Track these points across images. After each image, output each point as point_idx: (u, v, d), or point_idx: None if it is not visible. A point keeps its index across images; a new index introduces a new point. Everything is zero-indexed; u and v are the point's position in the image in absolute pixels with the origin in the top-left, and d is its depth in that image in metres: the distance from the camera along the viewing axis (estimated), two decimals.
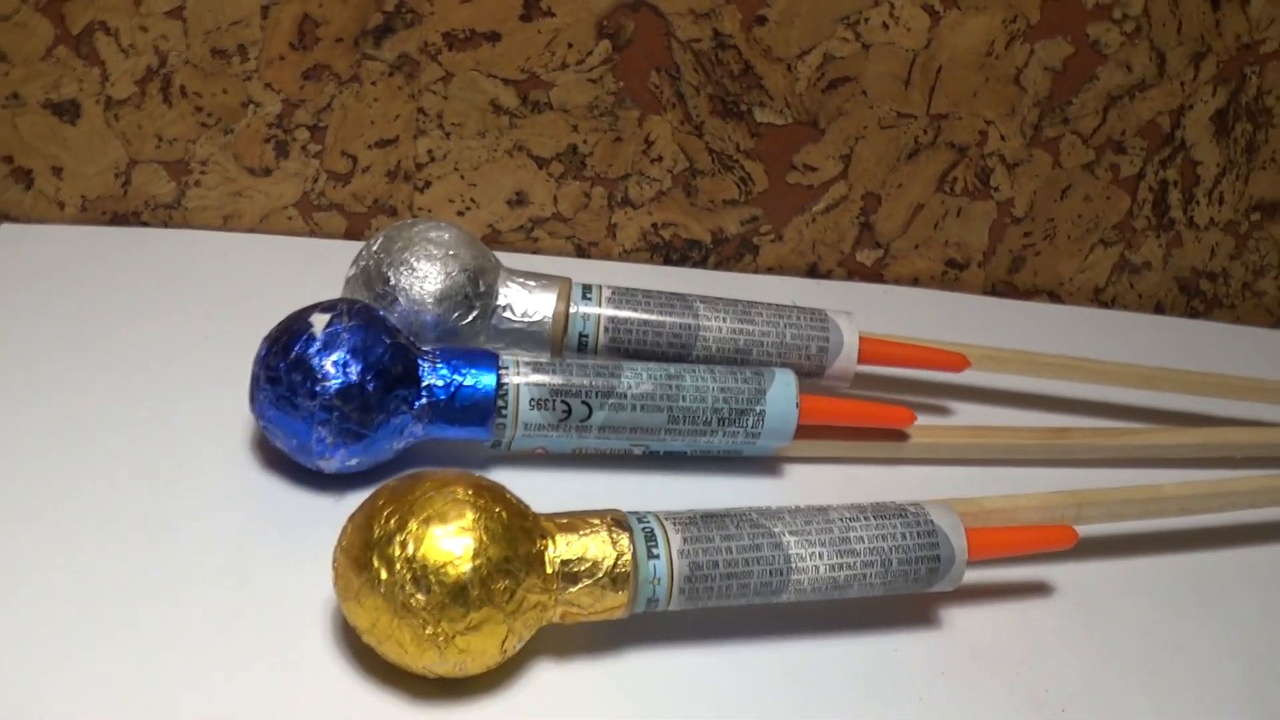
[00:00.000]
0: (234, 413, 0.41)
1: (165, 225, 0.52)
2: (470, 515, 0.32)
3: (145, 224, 0.52)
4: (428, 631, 0.32)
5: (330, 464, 0.39)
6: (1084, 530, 0.41)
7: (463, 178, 0.53)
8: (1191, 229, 0.57)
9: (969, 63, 0.51)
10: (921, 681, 0.37)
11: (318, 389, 0.37)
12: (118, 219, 0.52)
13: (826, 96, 0.52)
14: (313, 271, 0.47)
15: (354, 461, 0.39)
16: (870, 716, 0.36)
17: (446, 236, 0.43)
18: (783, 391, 0.42)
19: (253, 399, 0.39)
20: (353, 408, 0.38)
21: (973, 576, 0.40)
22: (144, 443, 0.40)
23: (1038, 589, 0.42)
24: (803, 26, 0.50)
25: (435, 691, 0.34)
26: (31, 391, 0.42)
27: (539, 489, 0.37)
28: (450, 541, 0.32)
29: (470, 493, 0.33)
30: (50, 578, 0.35)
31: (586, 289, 0.44)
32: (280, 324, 0.39)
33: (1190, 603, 0.42)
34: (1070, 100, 0.53)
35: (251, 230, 0.53)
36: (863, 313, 0.49)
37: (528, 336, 0.43)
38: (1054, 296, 0.59)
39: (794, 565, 0.36)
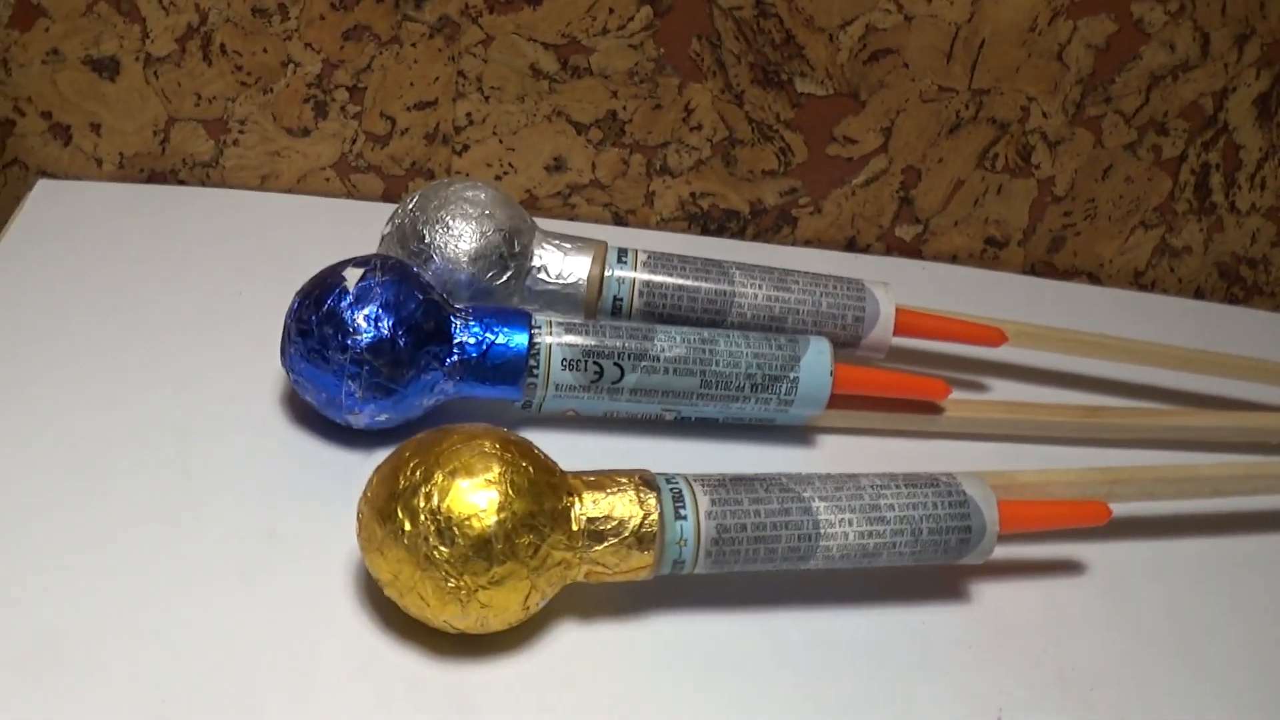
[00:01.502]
0: (266, 369, 0.42)
1: (203, 184, 0.53)
2: (496, 469, 0.32)
3: (183, 182, 0.52)
4: (450, 584, 0.32)
5: (359, 419, 0.39)
6: (1115, 509, 0.40)
7: (501, 142, 0.52)
8: (1233, 214, 0.56)
9: (1012, 38, 0.51)
10: (948, 655, 0.37)
11: (349, 342, 0.37)
12: (155, 177, 0.52)
13: (868, 68, 0.51)
14: (349, 233, 0.47)
15: (383, 417, 0.39)
16: (896, 688, 0.36)
17: (483, 196, 0.43)
18: (817, 359, 0.41)
19: (284, 352, 0.39)
20: (383, 362, 0.38)
21: (1002, 553, 0.40)
22: (176, 397, 0.41)
23: (1068, 567, 0.41)
24: None
25: (456, 648, 0.34)
26: (67, 346, 0.42)
27: (569, 452, 0.37)
28: (475, 494, 0.32)
29: (497, 446, 0.33)
30: (83, 529, 0.36)
31: (622, 253, 0.44)
32: (314, 278, 0.39)
33: (1222, 586, 0.42)
34: (1113, 79, 0.52)
35: (289, 191, 0.53)
36: (900, 289, 0.48)
37: (562, 299, 0.43)
38: (1093, 278, 0.58)
39: (823, 531, 0.35)
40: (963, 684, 0.36)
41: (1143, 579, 0.41)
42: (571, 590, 0.35)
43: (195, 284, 0.46)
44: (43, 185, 0.50)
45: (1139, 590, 0.41)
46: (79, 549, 0.35)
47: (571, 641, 0.35)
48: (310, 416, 0.40)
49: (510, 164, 0.53)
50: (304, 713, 0.32)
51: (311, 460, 0.39)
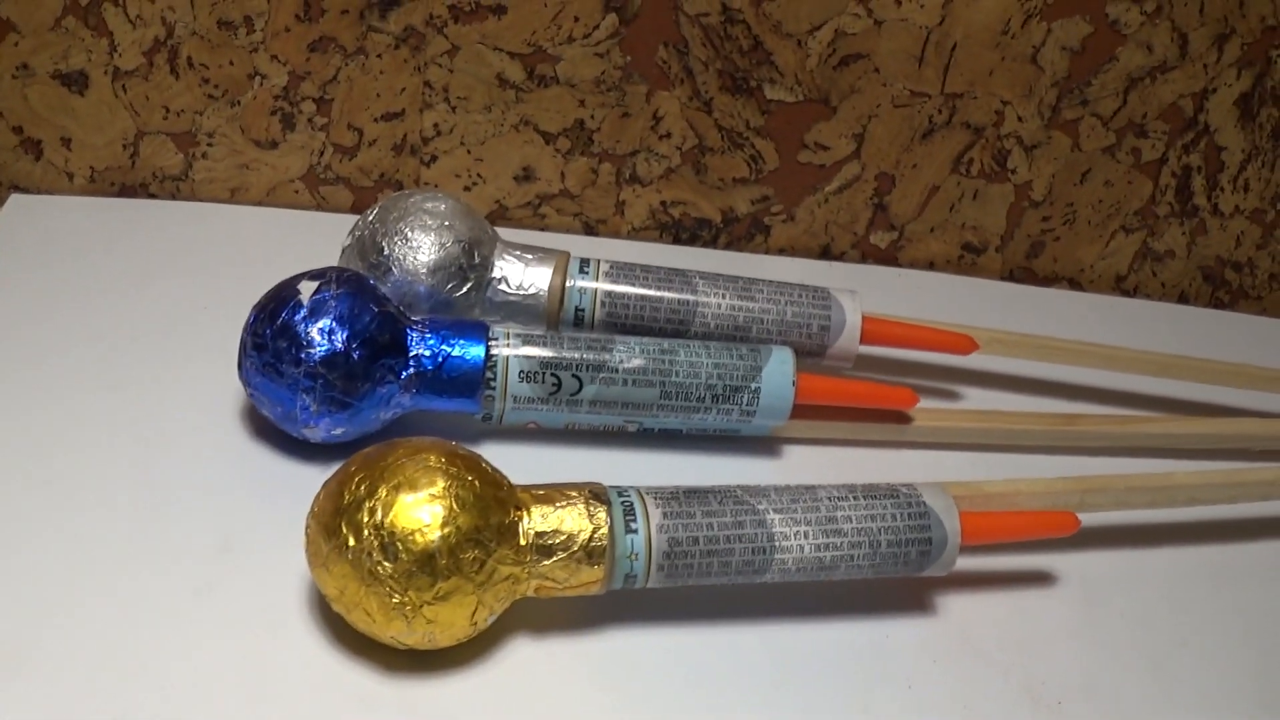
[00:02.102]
0: (227, 382, 0.41)
1: (173, 197, 0.52)
2: (441, 483, 0.32)
3: (153, 196, 0.52)
4: (394, 600, 0.31)
5: (316, 433, 0.38)
6: (1089, 519, 0.40)
7: (469, 152, 0.52)
8: (1216, 216, 0.56)
9: (984, 40, 0.50)
10: (912, 668, 0.36)
11: (302, 356, 0.37)
12: (126, 190, 0.52)
13: (838, 74, 0.51)
14: (318, 245, 0.47)
15: (340, 431, 0.38)
16: (858, 702, 0.35)
17: (443, 207, 0.42)
18: (779, 369, 0.41)
19: (240, 366, 0.39)
20: (338, 375, 0.37)
21: (971, 563, 0.39)
22: (136, 409, 0.40)
23: (1039, 578, 0.40)
24: (813, 1, 0.49)
25: (408, 664, 0.33)
26: (31, 357, 0.42)
27: (530, 465, 0.37)
28: (419, 510, 0.31)
29: (443, 460, 0.32)
30: (33, 539, 0.35)
31: (584, 263, 0.43)
32: (270, 291, 0.39)
33: (1198, 597, 0.41)
34: (1089, 81, 0.52)
35: (259, 203, 0.53)
36: (876, 296, 0.48)
37: (523, 310, 0.43)
38: (1074, 284, 0.57)
39: (778, 544, 0.35)
40: (926, 698, 0.35)
41: (1116, 590, 0.40)
42: (523, 605, 0.35)
43: (163, 297, 0.46)
44: (15, 200, 0.50)
45: (1112, 601, 0.40)
46: (30, 561, 0.35)
47: (524, 657, 0.35)
48: (268, 430, 0.40)
49: (479, 174, 0.53)
50: None
51: (268, 474, 0.39)
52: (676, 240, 0.55)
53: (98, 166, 0.51)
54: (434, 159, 0.52)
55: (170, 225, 0.50)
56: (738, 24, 0.49)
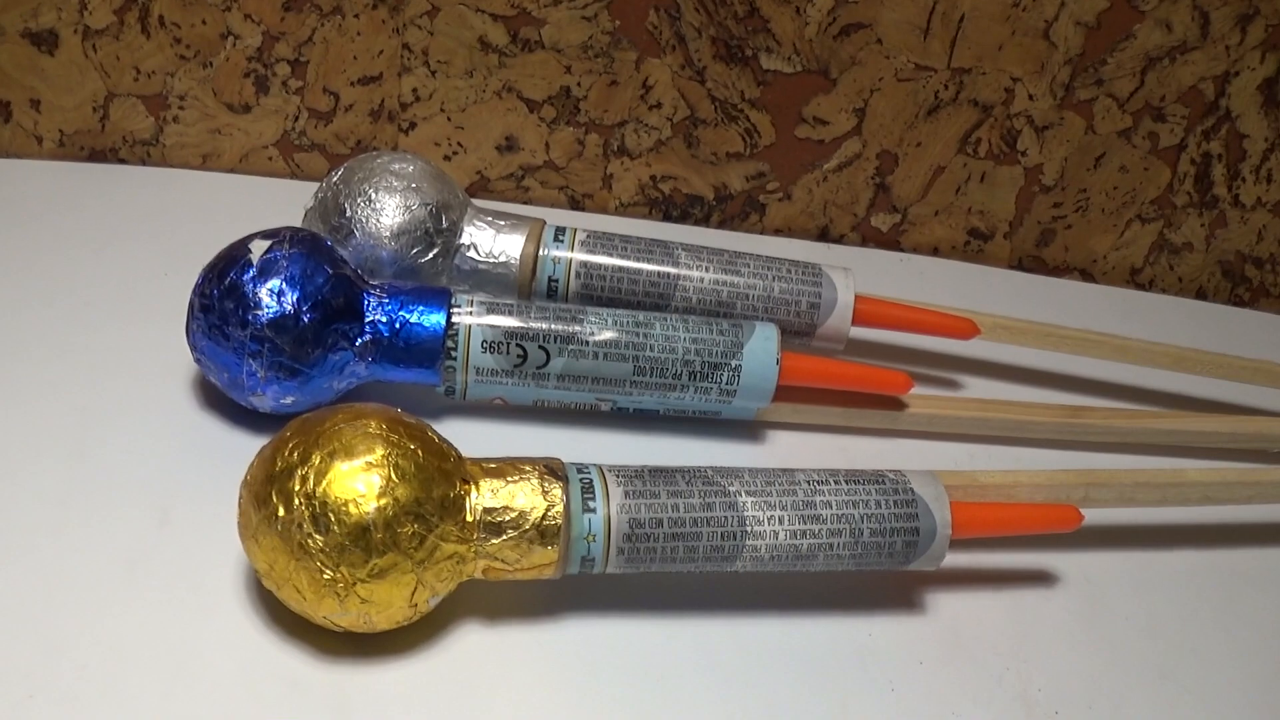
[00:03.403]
0: (179, 350, 0.39)
1: (143, 163, 0.50)
2: (380, 450, 0.29)
3: (123, 161, 0.50)
4: (325, 576, 0.29)
5: (264, 401, 0.36)
6: (1093, 517, 0.38)
7: (449, 119, 0.50)
8: (1237, 208, 0.53)
9: (994, 13, 0.48)
10: (896, 670, 0.34)
11: (249, 317, 0.35)
12: (95, 155, 0.50)
13: (838, 44, 0.48)
14: (291, 214, 0.44)
15: (289, 400, 0.36)
16: (835, 705, 0.33)
17: (410, 169, 0.40)
18: (762, 346, 0.38)
19: (188, 329, 0.37)
20: (286, 340, 0.35)
21: (964, 559, 0.37)
22: (83, 375, 0.39)
23: (1037, 578, 0.38)
24: None
25: (345, 647, 0.31)
26: None
27: (496, 444, 0.35)
28: (354, 479, 0.29)
29: (383, 427, 0.30)
30: None
31: (560, 231, 0.41)
32: (221, 251, 0.37)
33: (1207, 603, 0.39)
34: (1105, 59, 0.49)
35: (231, 170, 0.51)
36: (877, 282, 0.46)
37: (493, 279, 0.40)
38: (1086, 275, 0.55)
39: (750, 529, 0.32)
40: (911, 702, 0.33)
41: (1121, 592, 0.38)
42: (473, 588, 0.32)
43: (123, 263, 0.44)
44: None
45: (1116, 605, 0.38)
46: None
47: (473, 643, 0.32)
48: (218, 400, 0.38)
49: (459, 143, 0.50)
50: (173, 713, 0.29)
51: (214, 445, 0.37)
52: (667, 217, 0.52)
53: (67, 130, 0.49)
54: (413, 126, 0.50)
55: (139, 191, 0.49)
56: None
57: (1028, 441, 0.43)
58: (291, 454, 0.30)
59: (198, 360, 0.36)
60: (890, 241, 0.54)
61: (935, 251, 0.54)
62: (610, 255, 0.40)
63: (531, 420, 0.40)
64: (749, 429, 0.41)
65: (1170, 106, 0.50)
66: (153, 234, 0.46)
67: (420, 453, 0.30)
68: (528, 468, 0.31)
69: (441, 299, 0.37)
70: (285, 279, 0.35)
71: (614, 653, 0.33)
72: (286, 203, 0.48)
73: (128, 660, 0.30)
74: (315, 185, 0.48)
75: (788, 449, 0.41)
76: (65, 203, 0.47)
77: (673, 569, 0.32)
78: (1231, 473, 0.40)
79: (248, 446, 0.36)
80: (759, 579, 0.35)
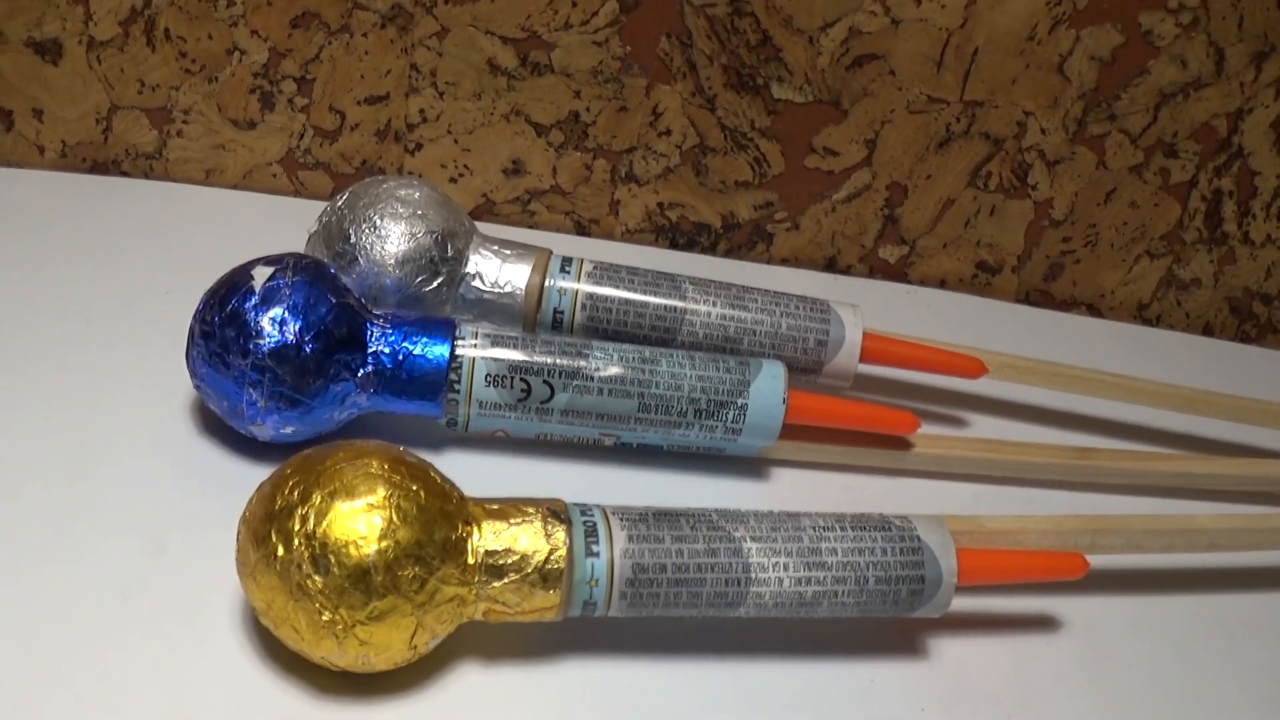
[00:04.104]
0: (178, 372, 0.38)
1: (146, 176, 0.50)
2: (382, 491, 0.29)
3: (125, 174, 0.50)
4: (324, 618, 0.28)
5: (263, 431, 0.36)
6: (1099, 561, 0.37)
7: (456, 142, 0.49)
8: (1246, 245, 0.53)
9: (1008, 46, 0.47)
10: (898, 716, 0.34)
11: (250, 346, 0.34)
12: (97, 167, 0.49)
13: (851, 74, 0.48)
14: (294, 233, 0.44)
15: (290, 430, 0.36)
16: None
17: (417, 195, 0.39)
18: (769, 385, 0.38)
19: (188, 354, 0.36)
20: (287, 370, 0.34)
21: (967, 604, 0.37)
22: (80, 395, 0.38)
23: (1041, 623, 0.38)
24: None
25: (343, 686, 0.31)
26: None
27: (497, 477, 0.35)
28: (355, 520, 0.29)
29: (385, 467, 0.29)
30: None
31: (566, 262, 0.40)
32: (224, 276, 0.36)
33: (1214, 651, 0.38)
34: (1118, 95, 0.49)
35: (234, 186, 0.50)
36: (882, 314, 0.46)
37: (498, 309, 0.40)
38: (1093, 310, 0.54)
39: (754, 576, 0.32)
40: None
41: (1125, 638, 0.38)
42: (473, 629, 0.32)
43: (125, 279, 0.43)
44: None
45: (1120, 650, 0.37)
46: None
47: (471, 684, 0.32)
48: (217, 427, 0.37)
49: (466, 165, 0.50)
50: None
51: (213, 474, 0.36)
52: (673, 245, 0.52)
53: (69, 140, 0.49)
54: (419, 147, 0.49)
55: (141, 205, 0.48)
56: (746, 16, 0.47)
57: (1034, 482, 0.43)
58: (292, 492, 0.29)
59: (197, 387, 0.36)
60: (898, 273, 0.53)
61: (943, 284, 0.53)
62: (617, 288, 0.40)
63: (534, 453, 0.39)
64: (753, 466, 0.41)
65: (1183, 142, 0.50)
66: (154, 249, 0.45)
67: (422, 494, 0.29)
68: (531, 510, 0.31)
69: (445, 330, 0.36)
70: (288, 308, 0.35)
71: (613, 695, 0.32)
72: (290, 220, 0.47)
73: (122, 693, 0.30)
74: (319, 204, 0.48)
75: (791, 487, 0.40)
76: (66, 214, 0.47)
77: (675, 614, 0.32)
78: (1239, 519, 0.39)
79: (248, 475, 0.36)
80: (761, 623, 0.34)
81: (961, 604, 0.35)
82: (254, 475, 0.36)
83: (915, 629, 0.36)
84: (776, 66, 0.48)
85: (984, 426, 0.45)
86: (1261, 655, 0.38)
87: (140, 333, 0.41)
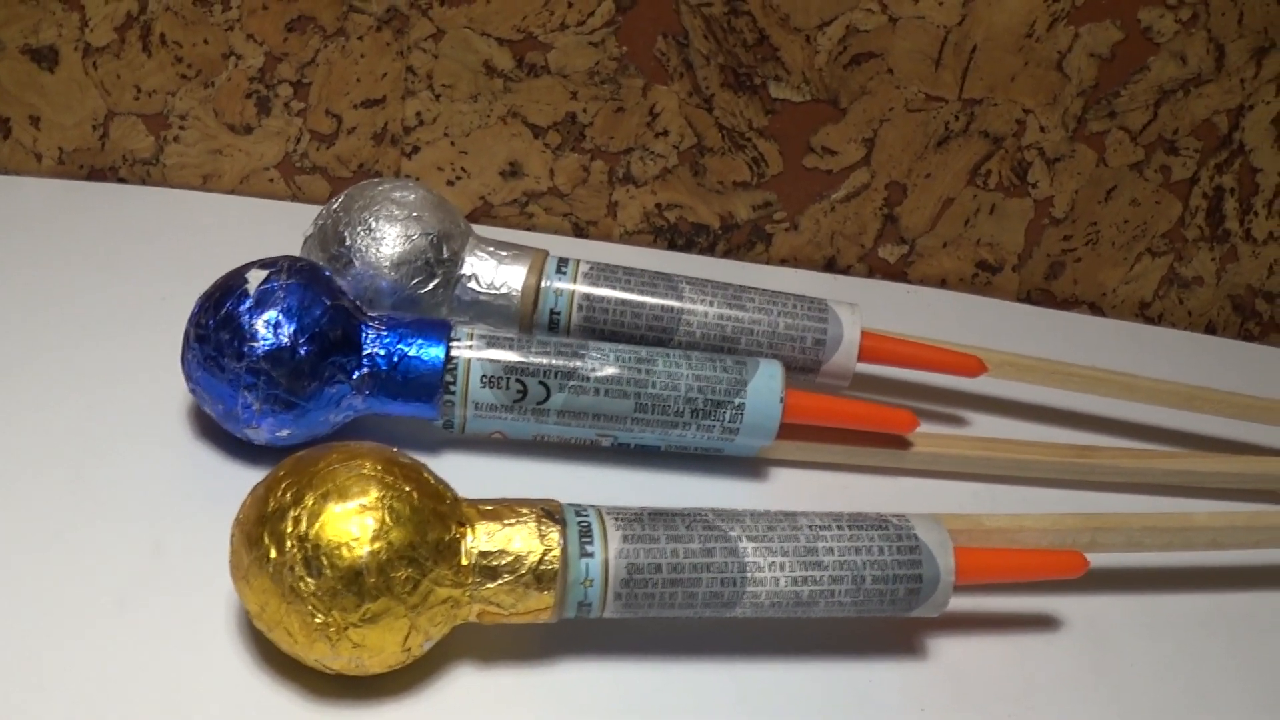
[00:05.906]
0: (175, 375, 0.38)
1: (143, 182, 0.50)
2: (375, 493, 0.29)
3: (123, 180, 0.50)
4: (317, 620, 0.28)
5: (259, 434, 0.35)
6: (1099, 560, 0.37)
7: (453, 144, 0.49)
8: (1248, 243, 0.52)
9: (1007, 43, 0.47)
10: (897, 717, 0.33)
11: (245, 349, 0.34)
12: (95, 174, 0.49)
13: (848, 73, 0.48)
14: (291, 237, 0.44)
15: (285, 433, 0.36)
16: None
17: (412, 197, 0.39)
18: (766, 384, 0.38)
19: (183, 358, 0.36)
20: (282, 372, 0.34)
21: (966, 603, 0.36)
22: (75, 401, 0.38)
23: (1041, 622, 0.38)
24: None
25: (337, 689, 0.31)
26: None
27: (493, 478, 0.35)
28: (348, 521, 0.28)
29: (379, 468, 0.29)
30: None
31: (562, 263, 0.40)
32: (218, 280, 0.36)
33: (1216, 649, 0.38)
34: (1118, 91, 0.49)
35: (231, 191, 0.50)
36: (882, 314, 0.46)
37: (494, 310, 0.40)
38: (1095, 308, 0.54)
39: (750, 575, 0.32)
40: None
41: (1128, 637, 0.38)
42: (467, 630, 0.32)
43: (122, 285, 0.43)
44: None
45: (1121, 649, 0.37)
46: None
47: (466, 687, 0.32)
48: (214, 430, 0.37)
49: (463, 168, 0.50)
50: None
51: (209, 478, 0.36)
52: (672, 246, 0.52)
53: (66, 147, 0.49)
54: (416, 150, 0.49)
55: (138, 211, 0.48)
56: (742, 16, 0.47)
57: (1033, 481, 0.42)
58: (284, 494, 0.29)
59: (193, 390, 0.36)
60: (897, 273, 0.53)
61: (943, 283, 0.53)
62: (613, 288, 0.40)
63: (531, 455, 0.39)
64: (750, 466, 0.40)
65: (1183, 139, 0.50)
66: (152, 254, 0.45)
67: (415, 495, 0.29)
68: (525, 510, 0.31)
69: (440, 332, 0.36)
70: (282, 310, 0.35)
71: (608, 697, 0.32)
72: (287, 225, 0.47)
73: (115, 696, 0.30)
74: (316, 208, 0.48)
75: (789, 486, 0.40)
76: (64, 221, 0.47)
77: (671, 615, 0.32)
78: (1239, 516, 0.39)
79: (243, 477, 0.36)
80: (758, 623, 0.34)
81: (961, 603, 0.35)
82: (249, 478, 0.35)
83: (914, 628, 0.36)
84: (774, 66, 0.48)
85: (983, 425, 0.45)
86: (1262, 654, 0.38)
87: (137, 337, 0.41)
